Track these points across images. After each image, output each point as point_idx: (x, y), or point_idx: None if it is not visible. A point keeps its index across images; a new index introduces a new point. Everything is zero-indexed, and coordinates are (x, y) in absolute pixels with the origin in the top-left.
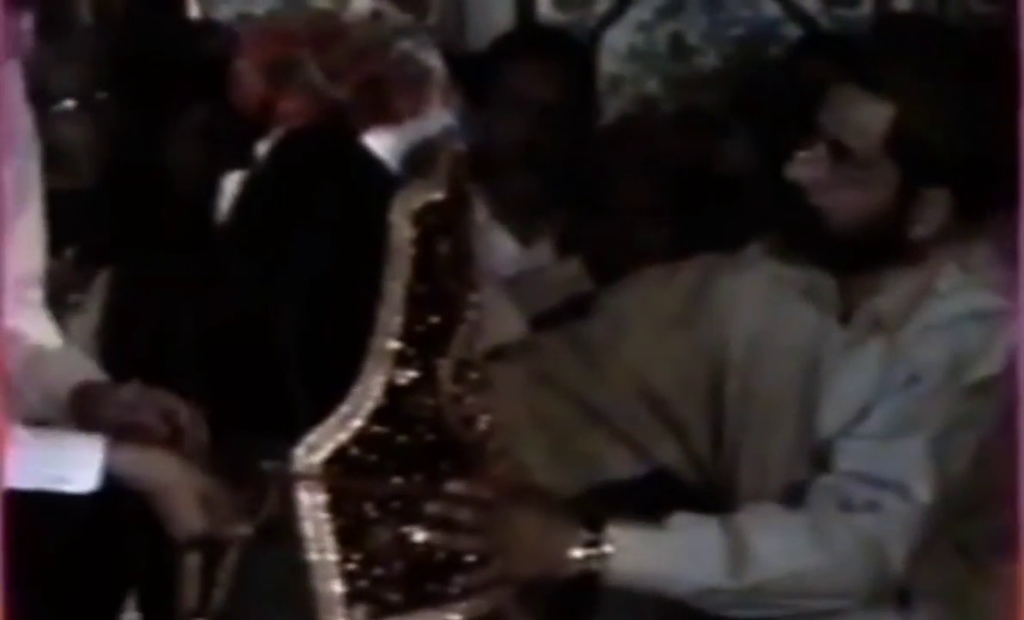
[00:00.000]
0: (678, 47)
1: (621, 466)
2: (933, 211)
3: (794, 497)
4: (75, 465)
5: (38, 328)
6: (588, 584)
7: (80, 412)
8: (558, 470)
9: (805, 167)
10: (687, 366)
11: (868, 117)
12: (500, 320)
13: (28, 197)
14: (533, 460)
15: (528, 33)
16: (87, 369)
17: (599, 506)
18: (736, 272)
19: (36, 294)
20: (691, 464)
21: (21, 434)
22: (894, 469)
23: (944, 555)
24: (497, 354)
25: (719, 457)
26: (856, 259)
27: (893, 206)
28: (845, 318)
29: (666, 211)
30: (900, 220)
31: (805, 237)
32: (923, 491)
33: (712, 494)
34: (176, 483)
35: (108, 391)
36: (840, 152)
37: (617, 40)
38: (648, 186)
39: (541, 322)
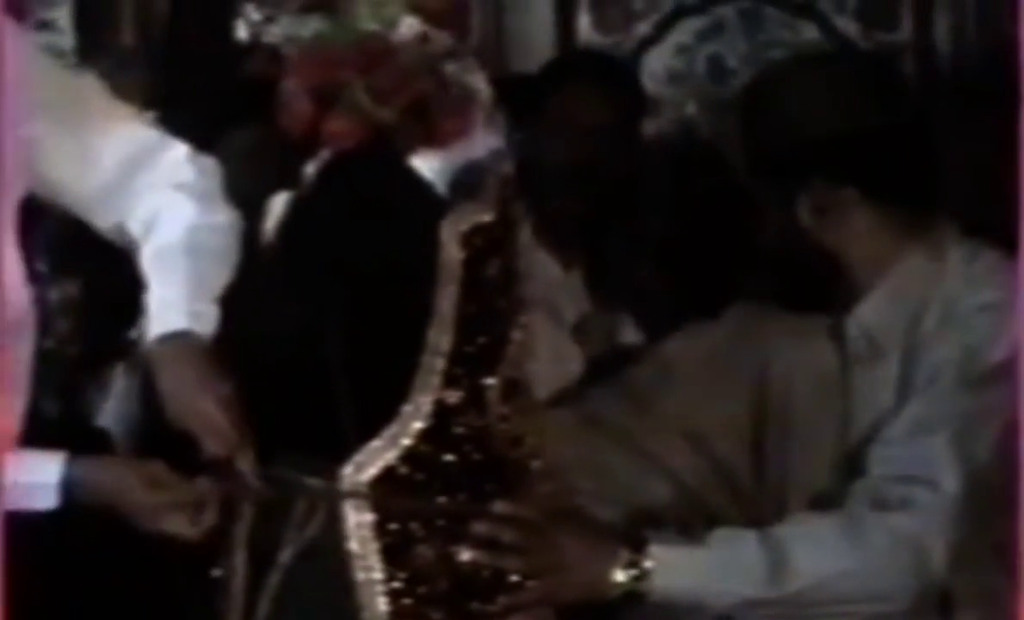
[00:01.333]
0: (717, 70)
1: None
2: (814, 198)
3: (830, 507)
4: (34, 483)
5: (167, 235)
6: (631, 603)
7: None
8: (607, 512)
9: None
10: (731, 405)
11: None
12: (567, 362)
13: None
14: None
15: (581, 58)
16: (179, 314)
17: (641, 527)
18: (770, 315)
19: (186, 175)
20: (736, 503)
21: None
22: (921, 466)
23: (982, 559)
24: (553, 399)
25: (763, 493)
26: (811, 278)
27: (783, 213)
28: (837, 336)
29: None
30: (798, 221)
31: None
32: (951, 482)
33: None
34: (123, 477)
35: (175, 371)
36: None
37: (656, 63)
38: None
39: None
